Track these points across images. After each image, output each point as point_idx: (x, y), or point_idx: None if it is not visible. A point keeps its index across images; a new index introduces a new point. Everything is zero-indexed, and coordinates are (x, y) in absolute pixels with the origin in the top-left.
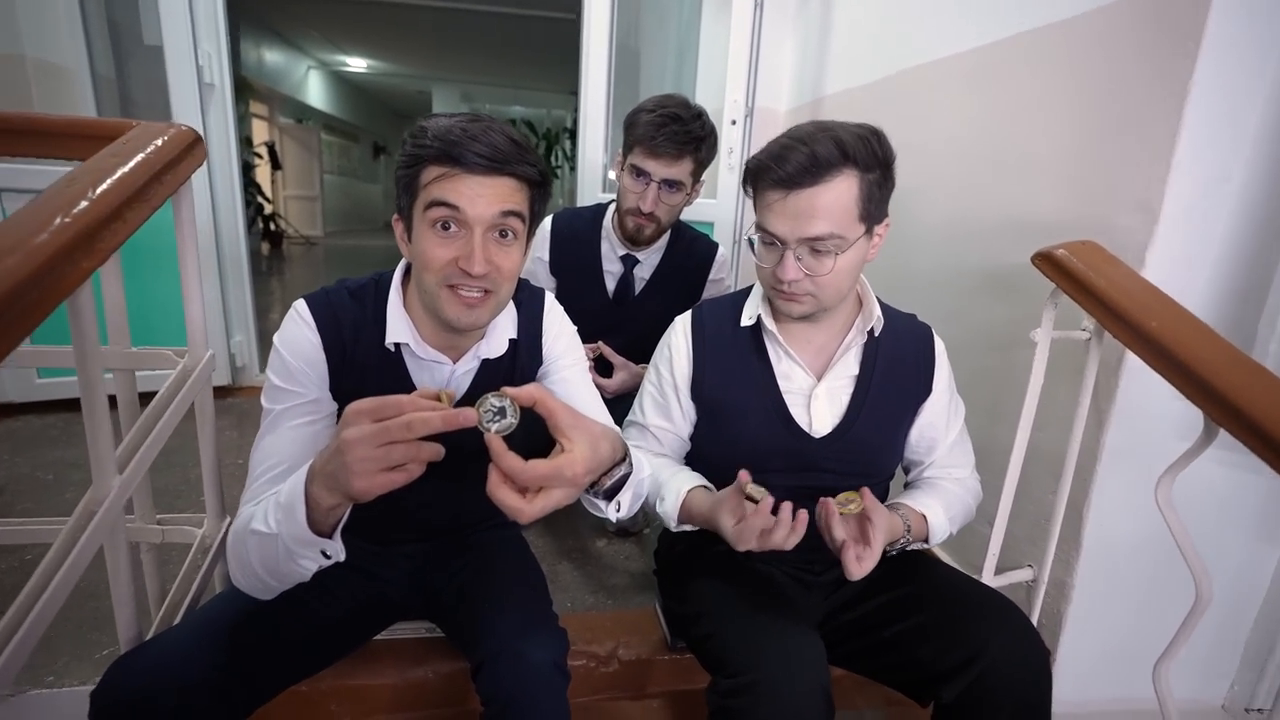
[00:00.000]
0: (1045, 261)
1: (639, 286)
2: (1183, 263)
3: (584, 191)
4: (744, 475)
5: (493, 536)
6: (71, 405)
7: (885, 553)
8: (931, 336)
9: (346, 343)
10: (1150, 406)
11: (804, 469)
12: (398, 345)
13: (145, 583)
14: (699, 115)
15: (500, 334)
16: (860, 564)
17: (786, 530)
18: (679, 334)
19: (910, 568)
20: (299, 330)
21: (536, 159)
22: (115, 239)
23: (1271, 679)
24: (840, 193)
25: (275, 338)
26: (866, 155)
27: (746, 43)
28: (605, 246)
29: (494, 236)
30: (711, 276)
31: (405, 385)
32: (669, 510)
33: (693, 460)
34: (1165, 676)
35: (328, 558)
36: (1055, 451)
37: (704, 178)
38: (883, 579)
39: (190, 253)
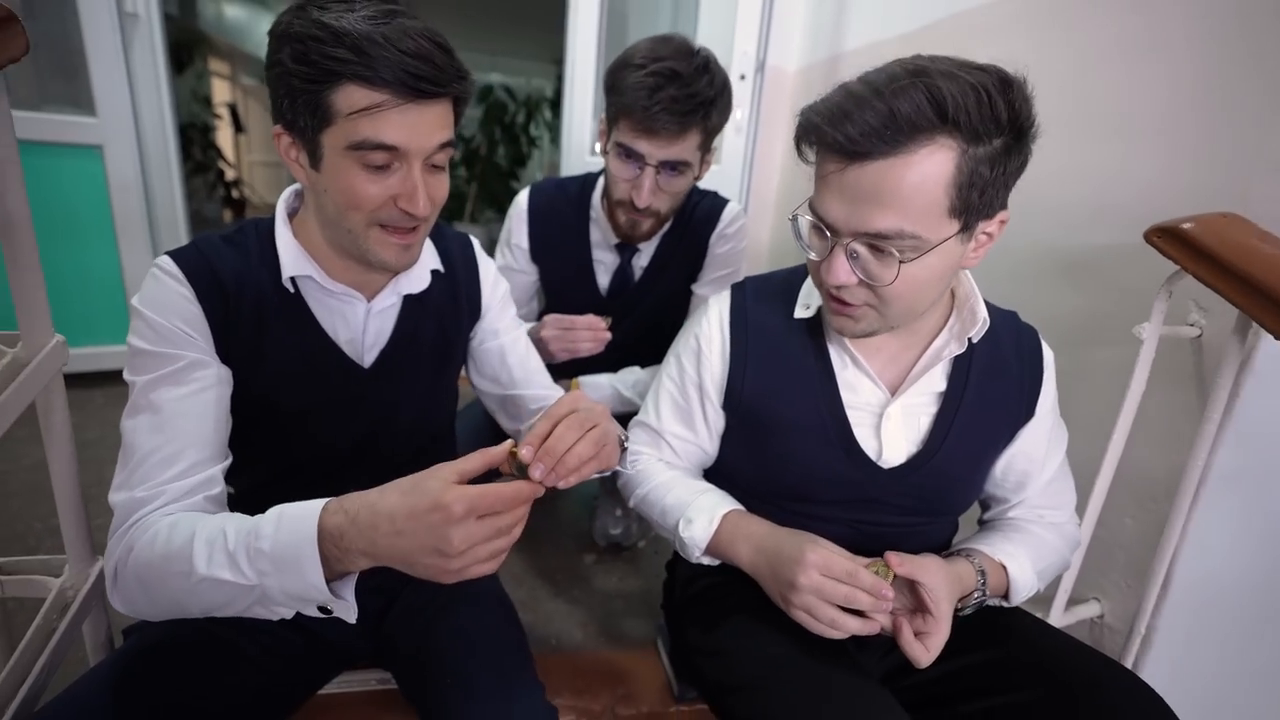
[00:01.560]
0: (1167, 238)
1: (638, 275)
2: None
3: (568, 167)
4: (893, 558)
5: None
6: None
7: (957, 612)
8: (1039, 343)
9: (229, 295)
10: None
11: (863, 504)
12: (295, 282)
13: None
14: (705, 66)
15: (421, 265)
16: (928, 643)
17: (867, 620)
18: (713, 322)
19: (995, 623)
20: (165, 287)
21: (465, 66)
22: None
23: None
24: (926, 172)
25: (134, 301)
26: (981, 117)
27: None
28: (595, 233)
29: (428, 167)
30: (715, 236)
31: (311, 329)
32: (697, 536)
33: (716, 479)
34: None
35: (326, 613)
36: (1134, 470)
37: (716, 144)
38: (960, 636)
39: (17, 199)
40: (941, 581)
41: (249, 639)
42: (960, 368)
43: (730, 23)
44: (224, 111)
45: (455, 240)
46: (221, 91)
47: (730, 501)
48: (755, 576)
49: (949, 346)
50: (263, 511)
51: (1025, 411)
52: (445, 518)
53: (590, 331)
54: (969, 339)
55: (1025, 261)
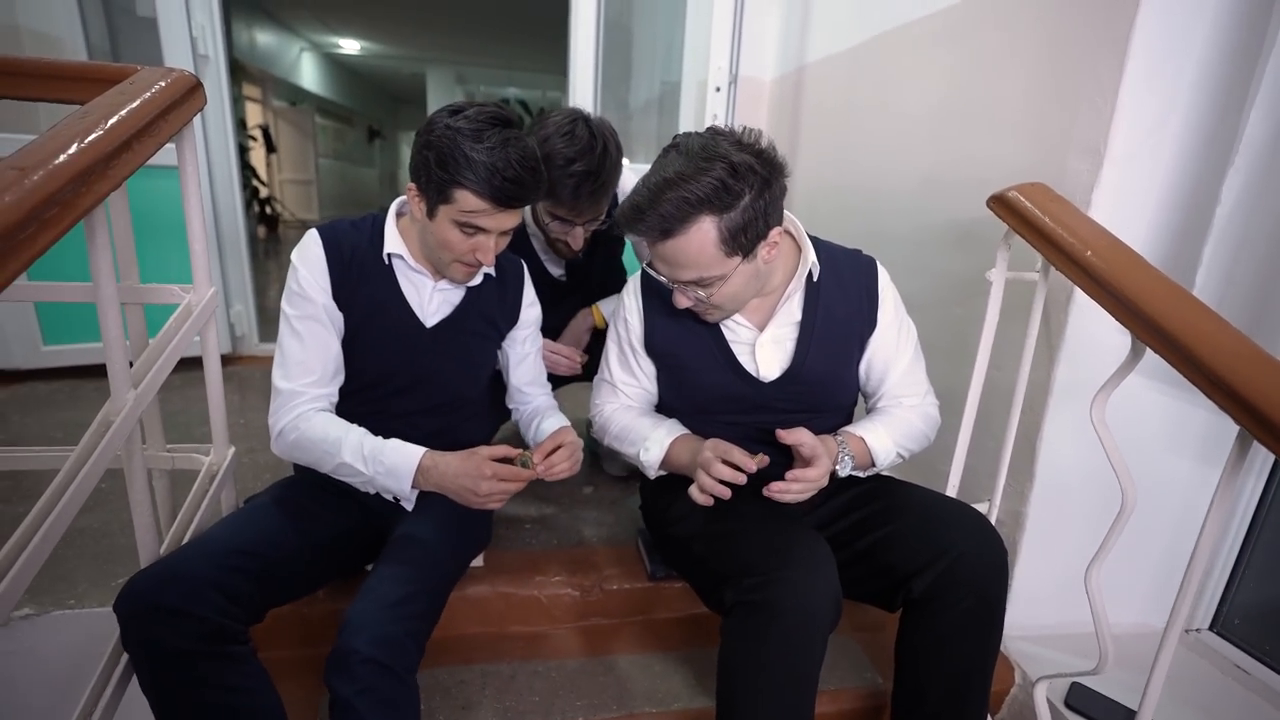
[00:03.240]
0: (999, 204)
1: (581, 256)
2: (1127, 203)
3: None
4: (780, 431)
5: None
6: (77, 372)
7: (835, 473)
8: (875, 270)
9: (346, 259)
10: (1096, 342)
11: (756, 409)
12: (390, 257)
13: (158, 508)
14: (605, 149)
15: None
16: (816, 464)
17: (727, 470)
18: (630, 292)
19: (879, 489)
20: (309, 247)
21: (545, 175)
22: (125, 168)
23: (1208, 601)
24: (698, 240)
25: (293, 255)
26: (719, 197)
27: (730, 6)
28: (535, 243)
29: (499, 235)
30: None
31: (395, 290)
32: (652, 459)
33: (660, 409)
34: (1096, 579)
35: (394, 500)
36: (1011, 389)
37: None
38: (854, 500)
39: (193, 192)
40: (811, 439)
41: (326, 509)
42: (811, 300)
43: (709, 38)
44: (257, 134)
45: (512, 262)
46: (254, 115)
47: (678, 428)
48: (688, 472)
49: (796, 288)
50: (344, 416)
51: (869, 324)
52: (481, 476)
53: (567, 360)
54: (805, 279)
55: (933, 233)
